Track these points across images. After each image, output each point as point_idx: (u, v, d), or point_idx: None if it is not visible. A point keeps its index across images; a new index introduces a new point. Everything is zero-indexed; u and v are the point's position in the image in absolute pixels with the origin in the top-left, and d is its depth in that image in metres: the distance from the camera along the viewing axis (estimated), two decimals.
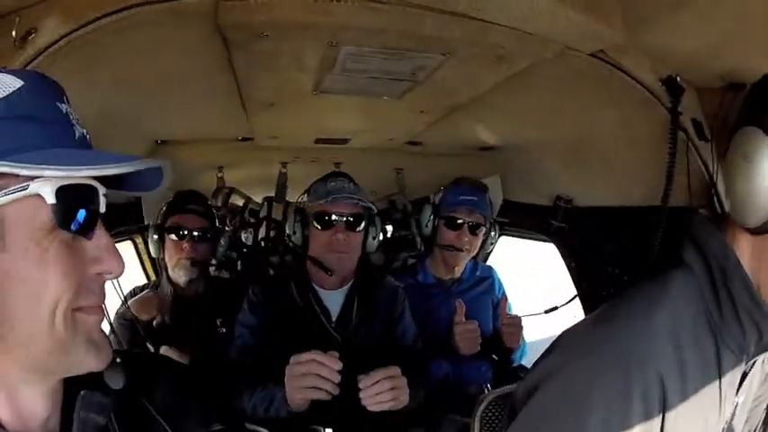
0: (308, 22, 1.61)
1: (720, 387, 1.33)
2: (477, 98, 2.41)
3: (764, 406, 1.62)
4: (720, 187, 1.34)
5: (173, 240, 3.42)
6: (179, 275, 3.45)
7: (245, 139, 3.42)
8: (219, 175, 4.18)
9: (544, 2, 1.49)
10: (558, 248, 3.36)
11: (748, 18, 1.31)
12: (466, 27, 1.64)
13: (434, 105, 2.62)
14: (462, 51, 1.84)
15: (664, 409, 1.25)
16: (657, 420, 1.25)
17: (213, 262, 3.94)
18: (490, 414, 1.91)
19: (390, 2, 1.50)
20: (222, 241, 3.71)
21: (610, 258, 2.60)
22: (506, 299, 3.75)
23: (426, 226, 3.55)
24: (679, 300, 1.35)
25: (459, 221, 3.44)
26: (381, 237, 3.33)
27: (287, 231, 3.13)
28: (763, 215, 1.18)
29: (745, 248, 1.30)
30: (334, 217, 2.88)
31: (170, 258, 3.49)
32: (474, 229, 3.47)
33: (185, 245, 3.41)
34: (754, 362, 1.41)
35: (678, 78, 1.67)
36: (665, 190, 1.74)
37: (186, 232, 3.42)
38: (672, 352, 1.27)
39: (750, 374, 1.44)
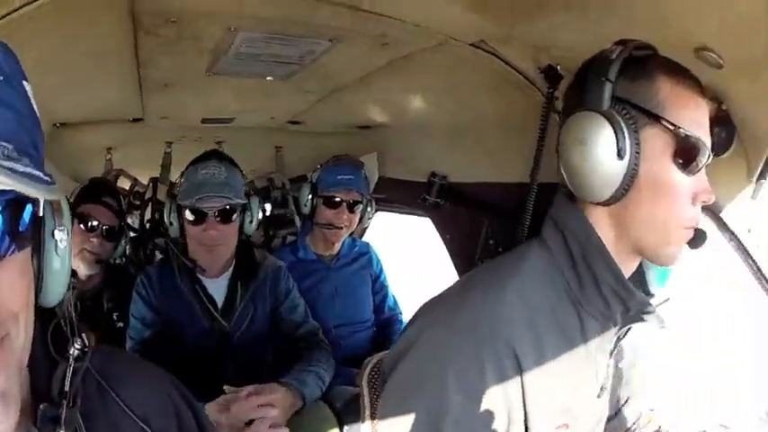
0: (213, 9, 1.71)
1: (590, 355, 1.45)
2: (359, 80, 2.53)
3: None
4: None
5: (80, 229, 3.20)
6: (79, 267, 3.25)
7: (135, 120, 3.39)
8: (108, 157, 4.09)
9: None
10: (434, 222, 3.51)
11: (633, 16, 1.47)
12: (354, 17, 1.76)
13: (317, 86, 2.72)
14: (349, 39, 1.96)
15: (520, 373, 1.33)
16: (514, 385, 1.34)
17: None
18: (376, 377, 1.96)
19: None
20: (124, 239, 3.55)
21: (485, 231, 2.76)
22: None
23: (305, 205, 3.61)
24: (532, 271, 1.43)
25: (337, 200, 3.51)
26: (261, 215, 3.34)
27: (165, 221, 3.08)
28: (607, 191, 1.29)
29: (602, 218, 1.39)
30: (204, 211, 2.84)
31: (73, 246, 3.26)
32: (352, 207, 3.55)
33: (93, 239, 3.24)
34: (629, 328, 1.52)
35: (558, 67, 1.82)
36: (533, 167, 1.89)
37: (96, 224, 3.24)
38: (524, 320, 1.36)
39: (626, 339, 1.58)
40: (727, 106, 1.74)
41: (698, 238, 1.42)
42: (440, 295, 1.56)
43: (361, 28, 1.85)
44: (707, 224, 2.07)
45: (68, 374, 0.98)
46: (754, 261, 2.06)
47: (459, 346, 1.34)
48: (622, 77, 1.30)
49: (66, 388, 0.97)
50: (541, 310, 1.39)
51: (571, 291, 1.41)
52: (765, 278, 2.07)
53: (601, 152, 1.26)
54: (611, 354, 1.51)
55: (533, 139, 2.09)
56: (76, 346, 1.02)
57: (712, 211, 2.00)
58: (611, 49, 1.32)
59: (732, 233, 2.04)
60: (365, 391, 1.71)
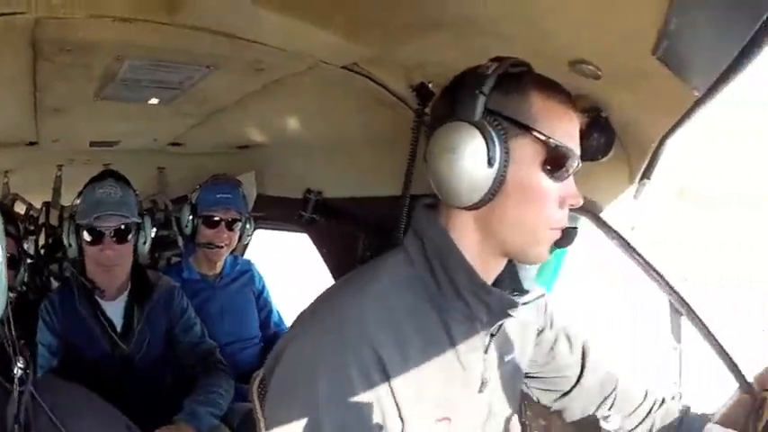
0: (104, 38, 1.71)
1: (458, 354, 1.46)
2: (236, 103, 2.54)
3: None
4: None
5: None
6: None
7: (31, 144, 3.29)
8: (5, 180, 3.93)
9: (300, 23, 1.63)
10: (311, 238, 3.57)
11: (507, 34, 1.50)
12: (231, 44, 1.77)
13: (196, 110, 2.71)
14: (226, 65, 1.98)
15: (387, 375, 1.33)
16: (383, 386, 1.34)
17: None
18: (263, 391, 1.94)
19: (170, 23, 1.62)
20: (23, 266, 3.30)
21: (362, 244, 2.77)
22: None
23: (186, 226, 3.60)
24: (392, 277, 1.44)
25: (216, 219, 3.51)
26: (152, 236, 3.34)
27: (64, 242, 3.01)
28: (476, 196, 1.31)
29: (467, 223, 1.41)
30: (101, 230, 2.81)
31: None
32: (230, 225, 3.55)
33: None
34: (501, 325, 1.54)
35: (430, 84, 1.83)
36: (405, 180, 1.90)
37: None
38: (385, 323, 1.36)
39: (499, 335, 1.58)
40: (607, 113, 1.82)
41: (566, 237, 1.46)
42: (308, 306, 1.55)
43: (237, 55, 1.88)
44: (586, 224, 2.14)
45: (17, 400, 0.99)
46: (640, 255, 2.18)
47: (326, 353, 1.34)
48: (496, 91, 1.32)
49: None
50: (403, 313, 1.39)
51: (432, 295, 1.42)
52: (654, 269, 2.20)
53: (471, 160, 1.28)
54: (486, 350, 1.52)
55: (405, 154, 2.13)
56: (19, 365, 1.02)
57: (592, 212, 2.08)
58: (488, 65, 1.34)
59: (615, 232, 2.12)
60: (256, 405, 1.67)
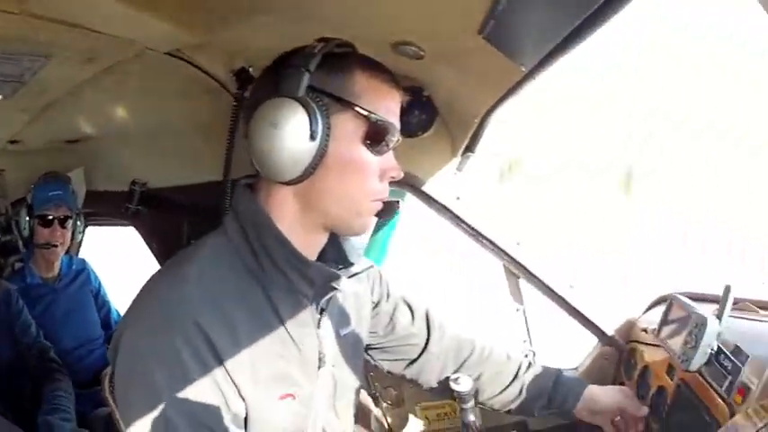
0: None
1: (288, 330, 1.47)
2: (69, 94, 2.43)
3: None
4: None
5: None
6: None
7: None
8: None
9: (130, 9, 1.58)
10: (138, 231, 3.50)
11: (331, 17, 1.53)
12: (68, 33, 1.69)
13: (33, 103, 2.58)
14: (60, 54, 1.89)
15: (217, 353, 1.33)
16: (220, 372, 1.34)
17: None
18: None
19: (18, 12, 1.53)
20: None
21: (186, 232, 2.74)
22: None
23: (24, 228, 3.46)
24: (210, 258, 1.45)
25: (50, 217, 3.39)
26: None
27: None
28: (297, 169, 1.33)
29: (287, 198, 1.44)
30: None
31: None
32: (63, 223, 3.43)
33: None
34: (329, 299, 1.57)
35: (251, 69, 1.82)
36: (226, 164, 1.89)
37: None
38: (210, 306, 1.36)
39: (331, 309, 1.62)
40: (429, 92, 1.90)
41: (387, 210, 1.53)
42: (135, 296, 1.51)
43: (73, 43, 1.80)
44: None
45: None
46: (468, 224, 2.29)
47: (156, 342, 1.32)
48: (320, 70, 1.35)
49: None
50: (226, 292, 1.40)
51: (254, 273, 1.44)
52: (484, 237, 2.32)
53: (293, 134, 1.30)
54: (318, 325, 1.54)
55: (226, 139, 2.14)
56: None
57: (416, 186, 2.16)
58: (314, 45, 1.38)
59: (440, 203, 2.20)
60: (111, 402, 1.67)
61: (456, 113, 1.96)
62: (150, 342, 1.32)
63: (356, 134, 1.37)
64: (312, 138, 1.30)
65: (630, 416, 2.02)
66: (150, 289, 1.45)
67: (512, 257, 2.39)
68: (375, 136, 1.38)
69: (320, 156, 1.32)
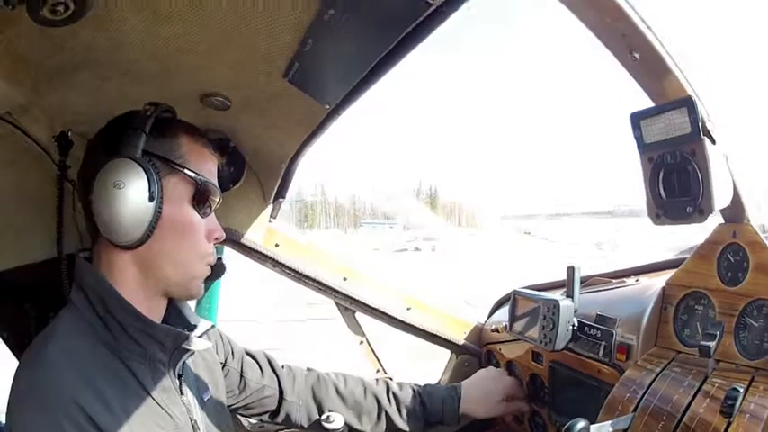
0: None
1: (156, 400, 1.45)
2: None
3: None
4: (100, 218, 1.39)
5: None
6: None
7: None
8: None
9: None
10: None
11: (142, 74, 1.49)
12: None
13: None
14: None
15: (99, 429, 1.30)
16: None
17: None
18: None
19: None
20: None
21: (36, 314, 2.61)
22: None
23: None
24: (69, 337, 1.40)
25: None
26: None
27: None
28: (139, 232, 1.34)
29: (129, 265, 1.43)
30: None
31: None
32: None
33: None
34: (184, 364, 1.57)
35: (70, 133, 1.80)
36: (58, 238, 1.84)
37: None
38: (83, 384, 1.32)
39: (187, 375, 1.61)
40: (236, 142, 1.93)
41: (217, 270, 1.57)
42: (9, 392, 1.39)
43: None
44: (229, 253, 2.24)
45: None
46: (290, 268, 2.32)
47: (43, 419, 1.28)
48: (152, 134, 1.39)
49: None
50: (92, 368, 1.37)
51: (109, 344, 1.42)
52: (307, 277, 2.36)
53: (135, 195, 1.32)
54: (180, 391, 1.54)
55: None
56: None
57: (233, 240, 2.19)
58: (146, 109, 1.42)
59: (261, 253, 2.26)
60: None
61: (264, 160, 2.03)
62: (38, 419, 1.28)
63: (185, 196, 1.42)
64: (151, 198, 1.33)
65: (509, 387, 2.26)
66: (21, 383, 1.37)
67: (341, 293, 2.44)
68: (201, 197, 1.44)
69: (157, 218, 1.35)
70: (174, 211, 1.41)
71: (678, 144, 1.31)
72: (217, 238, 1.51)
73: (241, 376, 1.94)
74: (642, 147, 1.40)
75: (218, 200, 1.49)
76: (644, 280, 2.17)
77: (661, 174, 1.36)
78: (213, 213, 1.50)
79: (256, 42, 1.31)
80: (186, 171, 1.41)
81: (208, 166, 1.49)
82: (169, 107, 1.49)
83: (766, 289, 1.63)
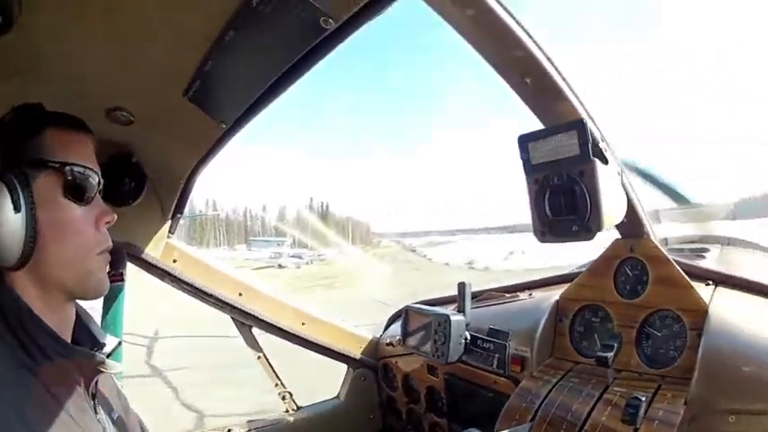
0: None
1: (74, 419, 1.37)
2: None
3: None
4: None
5: None
6: None
7: None
8: None
9: None
10: None
11: (47, 91, 1.42)
12: None
13: None
14: None
15: None
16: None
17: None
18: None
19: None
20: None
21: None
22: None
23: None
24: None
25: None
26: None
27: None
28: (16, 249, 1.27)
29: (26, 282, 1.35)
30: None
31: None
32: None
33: None
34: (97, 380, 1.48)
35: None
36: None
37: None
38: (4, 408, 1.22)
39: (99, 394, 1.52)
40: (137, 157, 1.89)
41: (117, 259, 1.56)
42: None
43: None
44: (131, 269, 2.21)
45: None
46: (187, 283, 2.31)
47: None
48: (11, 139, 1.33)
49: None
50: (9, 390, 1.27)
51: (27, 365, 1.32)
52: (203, 293, 2.35)
53: (2, 214, 1.25)
54: (95, 411, 1.47)
55: None
56: None
57: (134, 255, 2.15)
58: (4, 116, 1.34)
59: (160, 268, 2.24)
60: None
61: (164, 176, 2.01)
62: None
63: (56, 191, 1.32)
64: (17, 210, 1.27)
65: None
66: None
67: (237, 308, 2.44)
68: (75, 186, 1.35)
69: (32, 227, 1.29)
70: (50, 213, 1.31)
71: (566, 165, 1.34)
72: (108, 222, 1.42)
73: None
74: (529, 168, 1.42)
75: (97, 182, 1.38)
76: (537, 294, 2.23)
77: (547, 194, 1.38)
78: (99, 196, 1.41)
79: (159, 59, 1.31)
80: (51, 164, 1.32)
81: (79, 149, 1.38)
82: (33, 105, 1.38)
83: (667, 300, 1.71)
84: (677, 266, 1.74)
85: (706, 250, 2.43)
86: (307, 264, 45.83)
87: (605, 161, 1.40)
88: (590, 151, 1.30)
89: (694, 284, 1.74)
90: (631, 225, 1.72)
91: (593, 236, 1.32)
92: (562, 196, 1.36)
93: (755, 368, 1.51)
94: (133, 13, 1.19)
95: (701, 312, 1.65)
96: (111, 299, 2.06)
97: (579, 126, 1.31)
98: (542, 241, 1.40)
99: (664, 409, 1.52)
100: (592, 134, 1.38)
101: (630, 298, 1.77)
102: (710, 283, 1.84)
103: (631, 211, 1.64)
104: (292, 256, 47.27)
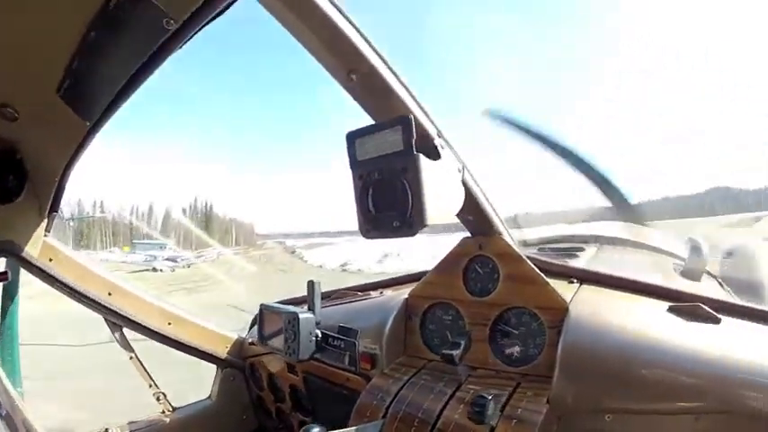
0: None
1: None
2: None
3: None
4: None
5: None
6: None
7: None
8: None
9: None
10: None
11: None
12: None
13: None
14: None
15: None
16: None
17: None
18: None
19: None
20: None
21: None
22: None
23: None
24: None
25: None
26: None
27: None
28: None
29: None
30: None
31: None
32: None
33: None
34: None
35: None
36: None
37: None
38: None
39: None
40: (21, 155, 1.90)
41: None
42: None
43: None
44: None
45: None
46: (62, 282, 2.30)
47: None
48: None
49: None
50: None
51: None
52: (76, 292, 2.35)
53: None
54: None
55: None
56: None
57: (14, 253, 2.16)
58: None
59: (37, 267, 2.23)
60: None
61: (42, 174, 2.00)
62: None
63: None
64: None
65: None
66: None
67: (108, 308, 2.44)
68: None
69: None
70: None
71: (390, 161, 1.33)
72: None
73: None
74: (354, 164, 1.41)
75: None
76: (388, 293, 2.27)
77: (370, 189, 1.38)
78: None
79: (36, 57, 1.33)
80: None
81: None
82: None
83: (521, 298, 1.72)
84: (531, 264, 1.75)
85: (581, 249, 2.47)
86: (183, 267, 45.37)
87: (437, 157, 1.41)
88: (413, 146, 1.29)
89: (557, 282, 1.77)
90: (479, 223, 1.74)
91: (416, 232, 1.32)
92: (385, 192, 1.36)
93: (623, 365, 1.51)
94: (9, 14, 1.20)
95: (560, 310, 1.67)
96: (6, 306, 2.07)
97: (404, 121, 1.30)
98: (367, 237, 1.40)
99: (523, 407, 1.52)
100: (425, 130, 1.42)
101: (481, 296, 1.79)
102: (574, 280, 1.87)
103: (477, 208, 1.66)
104: (167, 259, 46.76)
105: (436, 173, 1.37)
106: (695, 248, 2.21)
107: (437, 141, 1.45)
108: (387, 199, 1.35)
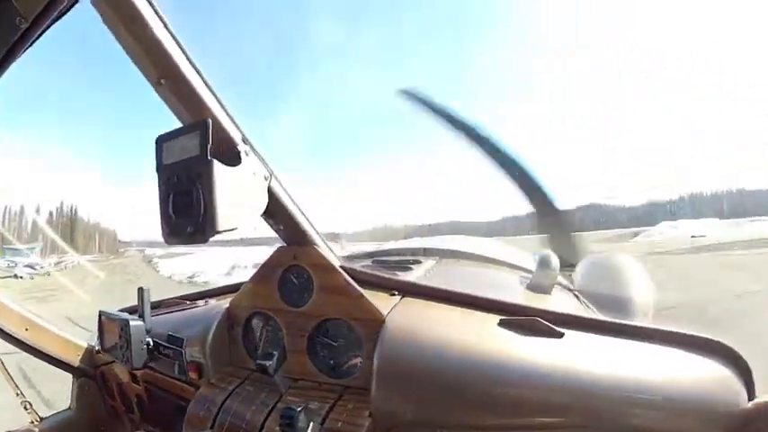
0: None
1: None
2: None
3: None
4: None
5: None
6: None
7: None
8: None
9: None
10: None
11: None
12: None
13: None
14: None
15: None
16: None
17: None
18: None
19: None
20: None
21: None
22: None
23: None
24: None
25: None
26: None
27: None
28: None
29: None
30: None
31: None
32: None
33: None
34: None
35: None
36: None
37: None
38: None
39: None
40: None
41: None
42: None
43: None
44: None
45: None
46: None
47: None
48: None
49: None
50: None
51: None
52: None
53: None
54: None
55: None
56: None
57: None
58: None
59: None
60: None
61: None
62: None
63: None
64: None
65: None
66: None
67: None
68: None
69: None
70: None
71: (189, 166, 1.33)
72: None
73: None
74: (159, 168, 1.40)
75: None
76: (212, 302, 2.26)
77: (171, 194, 1.36)
78: None
79: None
80: None
81: None
82: None
83: (336, 309, 1.73)
84: (346, 275, 1.75)
85: (417, 263, 2.47)
86: (42, 275, 44.74)
87: (238, 162, 1.42)
88: (208, 152, 1.29)
89: (377, 294, 1.78)
90: (292, 232, 1.74)
91: (208, 238, 1.32)
92: (183, 197, 1.35)
93: (451, 379, 1.50)
94: None
95: (376, 322, 1.66)
96: None
97: (202, 126, 1.30)
98: (168, 243, 1.39)
99: (344, 420, 1.52)
100: (228, 135, 1.41)
101: (297, 306, 1.79)
102: (396, 293, 1.87)
103: (288, 217, 1.67)
104: (26, 266, 46.08)
105: (234, 179, 1.38)
106: (543, 262, 2.24)
107: (241, 147, 1.45)
108: (185, 204, 1.34)
